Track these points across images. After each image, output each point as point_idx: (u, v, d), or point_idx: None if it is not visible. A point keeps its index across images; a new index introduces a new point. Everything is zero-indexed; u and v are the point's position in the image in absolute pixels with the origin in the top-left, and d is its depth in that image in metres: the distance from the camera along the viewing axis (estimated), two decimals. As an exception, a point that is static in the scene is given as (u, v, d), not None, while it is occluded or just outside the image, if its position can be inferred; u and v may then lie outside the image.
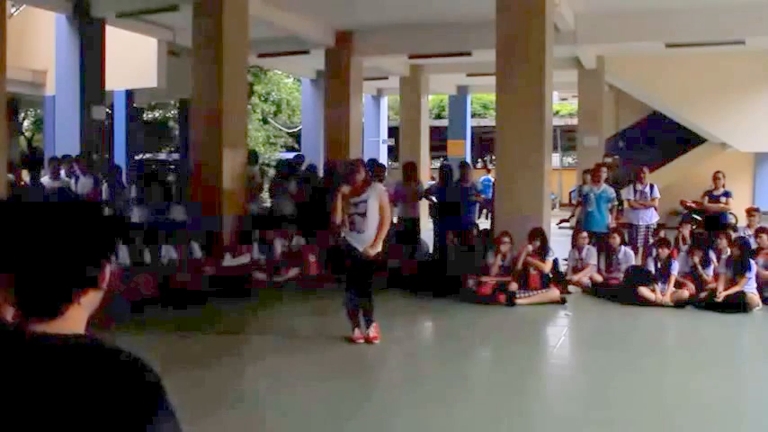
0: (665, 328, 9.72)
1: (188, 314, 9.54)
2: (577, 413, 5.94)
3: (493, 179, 14.78)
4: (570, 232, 13.74)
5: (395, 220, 12.97)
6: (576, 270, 11.65)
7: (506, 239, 10.92)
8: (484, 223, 15.47)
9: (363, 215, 7.74)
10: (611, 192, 12.53)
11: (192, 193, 12.62)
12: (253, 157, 14.71)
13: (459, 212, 12.62)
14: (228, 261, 11.53)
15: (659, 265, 10.60)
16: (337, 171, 13.30)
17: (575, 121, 22.12)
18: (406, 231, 12.73)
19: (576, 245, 11.93)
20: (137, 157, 22.46)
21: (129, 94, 19.49)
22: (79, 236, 1.38)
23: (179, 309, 9.66)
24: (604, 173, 12.74)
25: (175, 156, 25.24)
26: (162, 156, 28.86)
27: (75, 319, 1.39)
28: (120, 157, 18.75)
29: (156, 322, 9.03)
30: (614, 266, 11.40)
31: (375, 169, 12.88)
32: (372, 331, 7.98)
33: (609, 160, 15.00)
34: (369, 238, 7.77)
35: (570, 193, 28.44)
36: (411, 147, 21.27)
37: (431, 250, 12.84)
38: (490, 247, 11.23)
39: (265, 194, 16.03)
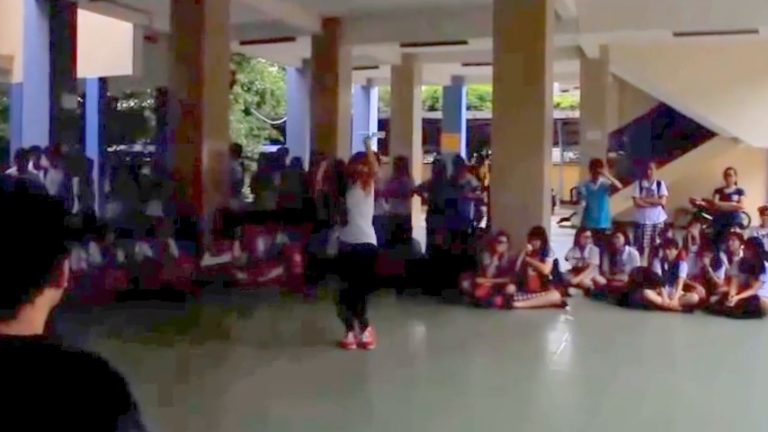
0: (673, 333, 9.72)
1: (163, 317, 9.46)
2: (578, 423, 5.92)
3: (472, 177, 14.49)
4: (572, 232, 13.74)
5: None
6: (577, 270, 11.64)
7: (503, 239, 10.89)
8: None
9: (347, 210, 7.85)
10: (606, 181, 12.60)
11: (170, 187, 12.55)
12: (236, 150, 14.66)
13: (453, 210, 12.59)
14: (208, 260, 11.48)
15: (666, 266, 10.57)
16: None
17: (576, 114, 22.14)
18: (396, 229, 12.69)
19: (577, 243, 11.90)
20: (110, 149, 22.35)
21: (103, 83, 19.37)
22: (24, 231, 1.34)
23: (153, 311, 9.58)
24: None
25: (152, 148, 25.09)
26: (137, 148, 28.69)
27: (32, 320, 1.37)
28: (92, 149, 18.61)
29: (127, 326, 8.93)
30: (618, 267, 11.38)
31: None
32: (367, 336, 7.93)
33: (613, 155, 15.04)
34: (354, 231, 7.83)
35: (572, 190, 28.53)
36: (402, 140, 21.23)
37: (423, 249, 12.80)
38: (485, 248, 11.21)
39: (247, 189, 15.98)
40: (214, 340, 8.49)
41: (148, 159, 21.18)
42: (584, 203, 12.76)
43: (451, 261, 11.39)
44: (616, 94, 21.29)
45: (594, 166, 12.83)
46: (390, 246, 11.87)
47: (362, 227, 7.82)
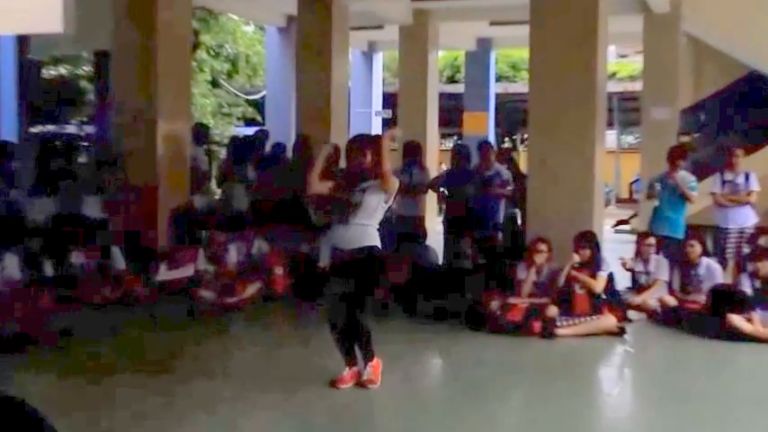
0: None
1: (104, 346, 9.45)
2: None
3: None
4: (632, 238, 13.69)
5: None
6: (639, 288, 11.60)
7: (543, 248, 10.87)
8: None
9: (357, 206, 7.68)
10: (691, 179, 12.40)
11: (114, 180, 12.55)
12: (201, 133, 14.67)
13: (478, 209, 12.61)
14: (164, 274, 11.49)
15: (758, 284, 10.53)
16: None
17: (638, 87, 22.14)
18: (406, 234, 12.68)
19: (639, 253, 11.86)
20: (34, 130, 22.35)
21: (22, 42, 19.26)
22: None
23: (93, 338, 9.57)
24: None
25: (90, 129, 25.17)
26: (71, 129, 28.78)
27: None
28: (9, 131, 18.54)
29: (58, 358, 8.90)
30: (693, 285, 11.35)
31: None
32: (370, 372, 7.85)
33: (686, 139, 14.92)
34: (356, 233, 7.71)
35: (631, 184, 28.51)
36: (414, 121, 21.21)
37: (440, 260, 12.80)
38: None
39: (214, 183, 16.02)
40: (167, 379, 8.44)
41: (86, 144, 21.20)
42: (656, 203, 12.60)
43: (476, 274, 11.41)
44: (691, 61, 21.23)
45: (675, 156, 12.65)
46: (398, 253, 11.89)
47: (367, 228, 7.73)
